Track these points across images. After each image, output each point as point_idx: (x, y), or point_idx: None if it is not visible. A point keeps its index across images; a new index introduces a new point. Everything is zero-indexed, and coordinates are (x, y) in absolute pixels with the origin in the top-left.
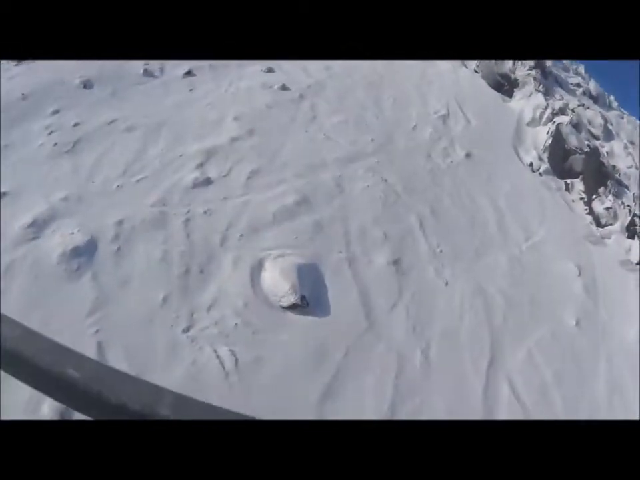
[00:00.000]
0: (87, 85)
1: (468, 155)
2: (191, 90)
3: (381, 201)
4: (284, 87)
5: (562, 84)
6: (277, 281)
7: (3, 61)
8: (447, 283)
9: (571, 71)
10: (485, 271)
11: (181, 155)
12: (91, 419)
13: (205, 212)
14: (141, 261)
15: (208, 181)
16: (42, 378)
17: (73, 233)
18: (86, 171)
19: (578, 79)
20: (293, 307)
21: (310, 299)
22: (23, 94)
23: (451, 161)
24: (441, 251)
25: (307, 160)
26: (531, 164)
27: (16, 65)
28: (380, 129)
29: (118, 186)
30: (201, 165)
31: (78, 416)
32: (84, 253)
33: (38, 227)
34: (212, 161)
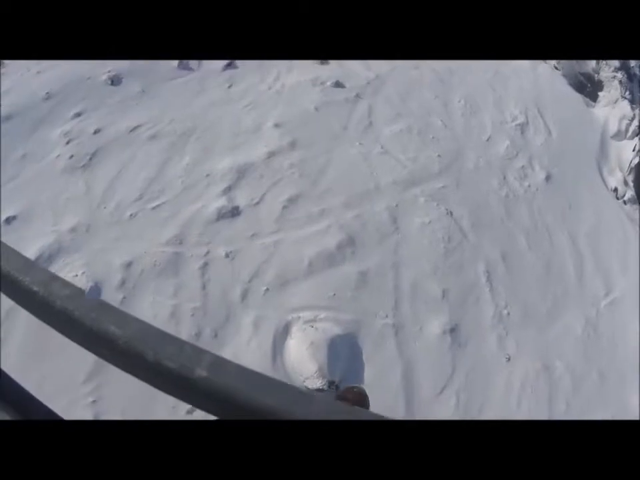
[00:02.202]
0: (114, 80)
1: (548, 177)
2: (229, 86)
3: (443, 242)
4: (338, 84)
5: None
6: (303, 358)
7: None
8: (509, 359)
9: None
10: (554, 340)
11: (207, 175)
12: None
13: (226, 255)
14: (147, 318)
15: (235, 211)
16: (87, 335)
17: (77, 276)
18: (99, 193)
19: None
20: (318, 390)
21: (341, 381)
22: (47, 92)
23: (529, 185)
24: (508, 314)
25: (358, 183)
26: (616, 189)
27: None
28: (448, 141)
29: (131, 214)
30: (228, 189)
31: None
32: None
33: (43, 263)
34: (242, 183)
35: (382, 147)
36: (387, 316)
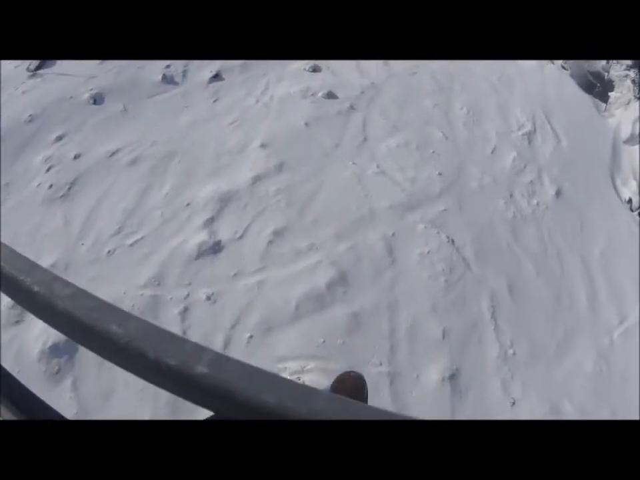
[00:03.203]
0: (96, 99)
1: (558, 192)
2: (215, 101)
3: (444, 275)
4: (330, 95)
5: None
6: None
7: (17, 74)
8: (513, 403)
9: None
10: (564, 378)
11: (187, 204)
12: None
13: (207, 297)
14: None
15: (217, 247)
16: (89, 334)
17: None
18: (77, 227)
19: None
20: None
21: None
22: (30, 115)
23: (538, 203)
24: (514, 353)
25: (351, 210)
26: (630, 200)
27: (30, 76)
28: (449, 156)
29: (109, 251)
30: (210, 221)
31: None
32: (64, 352)
33: (22, 309)
34: (225, 214)
35: (377, 166)
36: (381, 363)
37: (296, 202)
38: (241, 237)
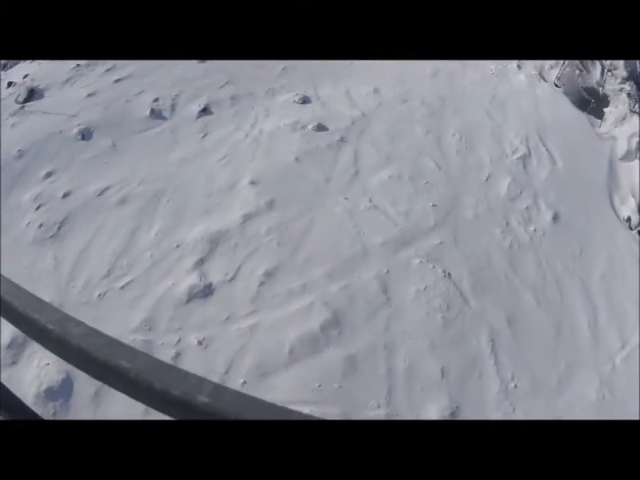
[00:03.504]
0: (85, 135)
1: (555, 217)
2: (204, 136)
3: (441, 311)
4: (320, 127)
5: None
6: None
7: (6, 106)
8: None
9: None
10: (565, 407)
11: (177, 246)
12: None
13: (199, 342)
14: (120, 413)
15: (207, 290)
16: (101, 369)
17: (48, 364)
18: (68, 268)
19: None
20: None
21: None
22: (19, 150)
23: (535, 229)
24: (515, 386)
25: (344, 248)
26: (629, 219)
27: (20, 108)
28: (443, 186)
29: (100, 294)
30: (200, 262)
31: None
32: (59, 396)
33: (17, 349)
34: (215, 255)
35: (370, 200)
36: (379, 406)
37: (287, 241)
38: (232, 279)
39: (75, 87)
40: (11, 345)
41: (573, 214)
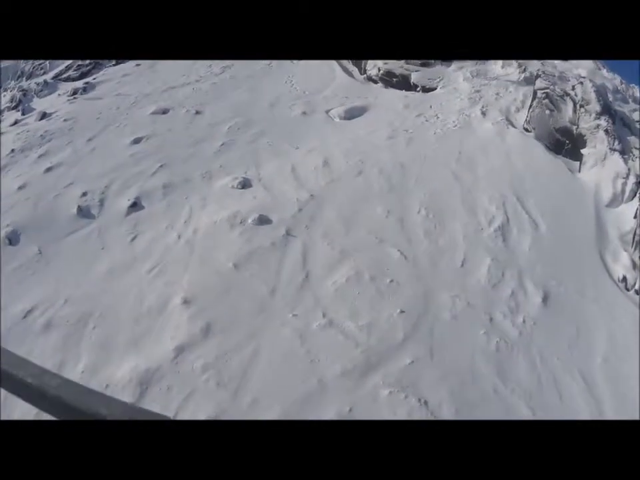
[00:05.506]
0: (12, 239)
1: (545, 299)
2: (133, 239)
3: None
4: (262, 220)
5: (630, 125)
6: None
7: None
8: None
9: (629, 100)
10: None
11: (106, 385)
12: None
13: None
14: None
15: None
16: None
17: None
18: None
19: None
20: None
21: None
22: None
23: (524, 320)
24: None
25: (295, 383)
26: (624, 279)
27: None
28: (412, 283)
29: None
30: None
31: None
32: None
33: None
34: (147, 400)
35: (324, 315)
36: None
37: (228, 380)
38: None
39: (9, 176)
40: None
41: (565, 288)
